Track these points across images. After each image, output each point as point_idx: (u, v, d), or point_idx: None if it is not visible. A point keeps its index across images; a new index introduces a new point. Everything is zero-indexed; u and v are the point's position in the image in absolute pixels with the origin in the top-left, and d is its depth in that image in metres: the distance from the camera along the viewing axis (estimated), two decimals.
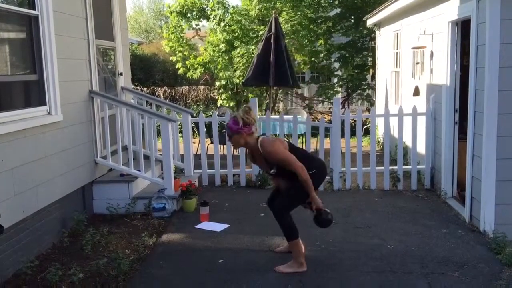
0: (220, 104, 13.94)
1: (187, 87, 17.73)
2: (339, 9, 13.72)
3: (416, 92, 7.28)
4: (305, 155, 4.33)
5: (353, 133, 7.47)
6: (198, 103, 16.95)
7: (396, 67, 9.35)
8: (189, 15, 14.23)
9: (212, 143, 7.81)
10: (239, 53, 12.58)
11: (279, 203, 4.28)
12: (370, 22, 11.11)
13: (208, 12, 13.93)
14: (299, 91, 14.34)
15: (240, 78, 12.31)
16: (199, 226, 5.45)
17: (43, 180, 4.72)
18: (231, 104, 13.58)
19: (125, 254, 4.55)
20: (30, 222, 4.51)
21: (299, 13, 12.73)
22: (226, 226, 5.42)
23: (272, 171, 4.24)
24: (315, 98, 14.53)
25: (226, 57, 13.15)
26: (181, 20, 14.37)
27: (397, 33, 9.14)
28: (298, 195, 4.21)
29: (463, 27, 5.89)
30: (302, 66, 13.83)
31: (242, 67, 12.45)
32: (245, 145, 4.22)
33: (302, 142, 8.70)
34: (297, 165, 4.03)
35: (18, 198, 4.29)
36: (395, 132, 7.64)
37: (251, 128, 4.13)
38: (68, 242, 4.95)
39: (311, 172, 4.11)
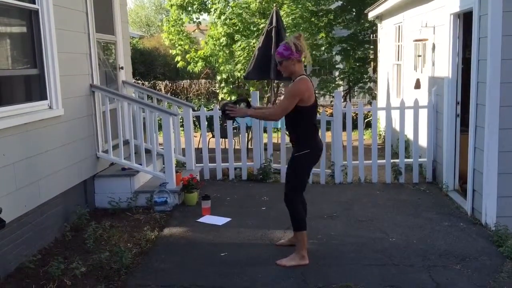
0: (221, 98, 13.94)
1: (188, 81, 17.73)
2: (341, 2, 13.67)
3: (417, 85, 7.26)
4: (314, 128, 4.21)
5: (355, 127, 7.48)
6: (199, 97, 16.95)
7: (398, 60, 9.32)
8: (189, 8, 14.20)
9: (213, 137, 7.80)
10: (240, 46, 12.55)
11: (286, 193, 4.24)
12: (371, 14, 11.07)
13: (209, 5, 13.90)
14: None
15: (241, 71, 12.29)
16: (200, 219, 5.46)
17: (44, 175, 4.72)
18: (233, 97, 13.57)
19: (127, 248, 4.56)
20: (32, 216, 4.52)
21: (300, 6, 12.68)
22: (228, 219, 5.43)
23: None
24: (316, 92, 14.49)
25: (227, 51, 13.12)
26: (182, 13, 14.34)
27: (399, 26, 9.10)
28: (298, 173, 4.20)
29: (465, 20, 5.86)
30: (303, 59, 13.77)
31: (243, 61, 12.42)
32: (293, 72, 4.09)
33: None
34: (279, 110, 4.07)
35: (20, 193, 4.30)
36: (396, 125, 7.62)
37: (301, 54, 4.05)
38: (70, 236, 4.96)
39: (304, 151, 4.08)
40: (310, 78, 4.22)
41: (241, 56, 12.53)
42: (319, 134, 4.41)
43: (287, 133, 4.29)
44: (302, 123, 4.12)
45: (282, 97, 7.22)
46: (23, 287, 3.87)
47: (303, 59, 4.12)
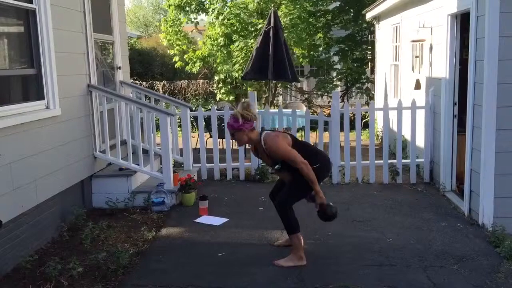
0: (219, 98, 13.92)
1: (186, 81, 17.70)
2: (338, 3, 13.68)
3: (418, 86, 7.26)
4: (309, 149, 4.33)
5: (352, 127, 7.48)
6: (197, 97, 16.93)
7: (395, 60, 9.33)
8: (187, 8, 14.19)
9: (211, 137, 7.80)
10: (238, 46, 12.55)
11: (281, 196, 4.27)
12: (369, 15, 11.08)
13: (207, 6, 13.89)
14: (298, 85, 14.31)
15: (239, 72, 12.29)
16: (198, 220, 5.46)
17: (41, 175, 4.71)
18: (230, 98, 13.57)
19: (124, 248, 4.55)
20: (29, 216, 4.51)
21: (298, 6, 12.69)
22: (225, 220, 5.43)
23: (276, 166, 4.23)
24: (314, 92, 14.51)
25: (225, 51, 13.11)
26: (180, 13, 14.34)
27: (397, 26, 9.11)
28: (301, 189, 4.21)
29: (462, 20, 5.87)
30: (301, 59, 13.80)
31: (241, 61, 12.42)
32: (249, 141, 4.22)
33: (301, 136, 8.69)
34: (300, 161, 4.03)
35: (17, 193, 4.29)
36: (394, 126, 7.63)
37: (253, 123, 4.13)
38: (67, 236, 4.95)
39: (315, 166, 4.11)
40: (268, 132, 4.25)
41: (239, 56, 12.53)
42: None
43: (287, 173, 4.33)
44: (297, 162, 4.08)
45: (278, 109, 7.37)
46: (20, 287, 3.86)
47: (254, 127, 4.15)
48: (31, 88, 4.88)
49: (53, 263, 4.06)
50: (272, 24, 7.93)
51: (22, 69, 4.83)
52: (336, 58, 14.10)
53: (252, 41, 12.20)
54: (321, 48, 13.73)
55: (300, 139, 4.75)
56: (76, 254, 4.48)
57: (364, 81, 13.59)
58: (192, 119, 8.10)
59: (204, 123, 7.53)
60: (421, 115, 6.83)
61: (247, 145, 4.44)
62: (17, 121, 4.33)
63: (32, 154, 4.57)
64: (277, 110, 7.79)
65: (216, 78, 13.96)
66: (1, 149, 4.11)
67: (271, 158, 4.20)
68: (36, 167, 4.62)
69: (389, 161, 6.93)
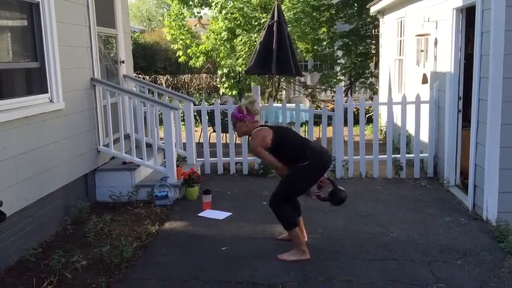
0: (223, 93, 13.91)
1: (189, 75, 17.68)
2: None
3: (425, 80, 7.21)
4: (299, 145, 4.29)
5: (356, 122, 7.46)
6: (201, 92, 16.91)
7: (400, 55, 9.30)
8: (190, 2, 14.16)
9: (214, 131, 7.79)
10: (241, 41, 12.51)
11: (273, 193, 4.29)
12: (373, 9, 11.02)
13: (210, 0, 13.84)
14: (302, 79, 14.26)
15: (243, 66, 12.26)
16: (201, 214, 5.46)
17: (45, 168, 4.72)
18: (234, 92, 13.55)
19: (128, 242, 4.56)
20: (33, 209, 4.52)
21: (301, 0, 12.63)
22: (229, 214, 5.43)
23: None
24: (317, 87, 14.47)
25: (228, 45, 13.08)
26: (183, 7, 14.31)
27: (401, 21, 9.07)
28: (295, 185, 4.23)
29: (467, 14, 5.83)
30: (304, 54, 13.75)
31: (244, 55, 12.39)
32: (248, 132, 4.40)
33: (305, 131, 8.67)
34: (268, 162, 4.38)
35: (21, 186, 4.30)
36: (398, 121, 7.60)
37: (254, 117, 4.34)
38: (71, 229, 4.96)
39: (304, 163, 4.13)
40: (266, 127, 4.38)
41: (242, 50, 12.50)
42: (317, 144, 4.64)
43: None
44: (284, 154, 4.24)
45: (281, 104, 7.53)
46: (24, 280, 3.87)
47: (256, 121, 4.37)
48: (34, 82, 4.88)
49: (57, 256, 4.08)
50: (275, 18, 7.89)
51: (25, 62, 4.82)
52: (340, 53, 14.04)
53: (255, 35, 12.16)
54: (324, 43, 13.67)
55: (303, 134, 4.75)
56: (79, 247, 4.50)
57: (368, 75, 13.54)
58: (195, 113, 8.10)
59: (207, 117, 7.52)
60: (425, 109, 6.81)
61: (249, 138, 4.51)
62: (21, 115, 4.33)
63: (36, 147, 4.58)
64: (280, 104, 7.78)
65: (220, 72, 13.94)
66: (5, 143, 4.11)
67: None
68: (39, 160, 4.63)
69: (393, 155, 6.91)
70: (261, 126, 4.41)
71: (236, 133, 4.64)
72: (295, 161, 4.19)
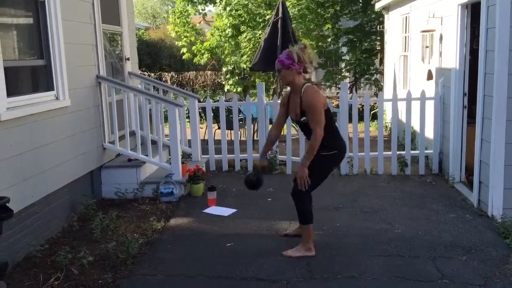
0: (227, 89, 13.93)
1: (194, 72, 17.71)
2: None
3: (430, 76, 7.20)
4: (334, 129, 4.22)
5: (361, 118, 7.46)
6: (205, 88, 16.94)
7: (405, 51, 9.26)
8: None
9: (219, 128, 7.81)
10: (245, 37, 12.51)
11: (296, 185, 4.21)
12: (378, 5, 10.98)
13: None
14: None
15: (247, 63, 12.25)
16: (206, 210, 5.48)
17: (51, 165, 4.75)
18: (238, 89, 13.55)
19: (133, 238, 4.59)
20: (39, 206, 4.55)
21: None
22: (234, 210, 5.45)
23: (303, 118, 4.10)
24: (322, 83, 14.44)
25: (233, 42, 13.08)
26: (188, 4, 14.31)
27: (406, 17, 9.03)
28: (320, 171, 4.15)
29: (473, 10, 5.81)
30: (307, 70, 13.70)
31: (249, 52, 12.39)
32: (292, 83, 4.11)
33: None
34: (319, 129, 3.92)
35: (27, 183, 4.33)
36: (403, 117, 7.59)
37: (302, 66, 4.02)
38: (77, 226, 5.00)
39: (332, 152, 4.07)
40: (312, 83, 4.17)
41: (247, 47, 12.49)
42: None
43: (306, 139, 4.23)
44: (325, 129, 4.02)
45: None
46: (31, 276, 3.90)
47: (302, 71, 4.07)
48: (40, 79, 4.91)
49: (63, 252, 4.11)
50: (280, 15, 7.89)
51: (31, 60, 4.85)
52: (344, 49, 14.01)
53: (260, 32, 12.15)
54: (329, 39, 13.64)
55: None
56: (86, 243, 4.53)
57: (373, 72, 13.50)
58: (200, 110, 8.11)
59: (212, 114, 7.53)
60: (430, 106, 6.79)
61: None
62: (27, 112, 4.36)
63: (42, 144, 4.61)
64: None
65: (224, 69, 13.94)
66: (12, 140, 4.14)
67: (302, 110, 4.06)
68: (46, 157, 4.66)
69: (398, 152, 6.90)
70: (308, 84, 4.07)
71: (280, 80, 4.13)
72: (324, 141, 3.99)
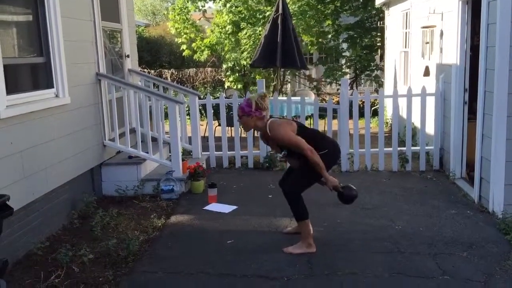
0: (228, 86, 13.89)
1: (194, 69, 17.68)
2: None
3: (427, 72, 7.20)
4: (315, 135, 4.32)
5: (361, 115, 7.45)
6: (206, 85, 16.91)
7: (405, 47, 9.25)
8: None
9: (219, 125, 7.80)
10: (246, 34, 12.48)
11: (289, 183, 4.28)
12: (378, 1, 10.96)
13: None
14: (307, 72, 14.23)
15: (248, 59, 12.23)
16: (207, 207, 5.48)
17: (52, 163, 4.75)
18: (239, 86, 13.53)
19: (134, 235, 4.59)
20: (40, 204, 4.55)
21: None
22: (234, 207, 5.45)
23: (283, 152, 4.28)
24: (323, 80, 14.43)
25: (233, 39, 13.05)
26: (187, 1, 14.27)
27: (406, 13, 9.01)
28: (310, 175, 4.19)
29: (473, 5, 5.79)
30: (309, 47, 13.70)
31: (249, 49, 12.36)
32: (254, 127, 4.29)
33: (310, 124, 8.66)
34: (305, 148, 4.03)
35: (28, 180, 4.33)
36: (403, 113, 7.58)
37: (262, 113, 4.17)
38: (78, 223, 5.00)
39: (322, 152, 4.10)
40: (272, 120, 4.24)
41: (247, 44, 12.47)
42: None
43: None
44: (309, 142, 4.08)
45: (287, 97, 7.32)
46: (31, 274, 3.90)
47: (265, 115, 4.18)
48: (40, 77, 4.90)
49: (64, 250, 4.11)
50: (280, 11, 7.87)
51: (31, 57, 4.84)
52: (345, 45, 13.98)
53: (260, 28, 12.12)
54: (329, 35, 13.62)
55: (308, 126, 4.73)
56: (86, 241, 4.53)
57: (373, 68, 13.49)
58: (200, 107, 8.10)
59: (212, 111, 7.52)
60: (431, 102, 6.78)
61: (255, 132, 4.48)
62: (27, 110, 4.35)
63: (42, 142, 4.60)
64: (285, 98, 7.77)
65: (224, 66, 13.91)
66: (12, 137, 4.14)
67: (278, 145, 4.24)
68: (46, 155, 4.65)
69: (399, 148, 6.89)
70: (272, 118, 4.27)
71: (241, 127, 4.43)
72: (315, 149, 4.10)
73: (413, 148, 6.91)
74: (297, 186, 4.23)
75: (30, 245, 4.29)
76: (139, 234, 4.68)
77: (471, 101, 5.96)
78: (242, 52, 12.72)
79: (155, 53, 18.93)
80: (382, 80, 12.72)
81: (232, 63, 13.21)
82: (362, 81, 14.61)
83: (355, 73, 14.21)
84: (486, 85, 5.08)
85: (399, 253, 4.16)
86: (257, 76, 12.76)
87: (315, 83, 14.57)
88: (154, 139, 6.43)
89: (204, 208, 5.45)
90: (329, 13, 13.36)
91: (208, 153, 7.30)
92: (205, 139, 7.89)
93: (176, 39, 15.51)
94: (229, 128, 8.49)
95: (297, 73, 14.34)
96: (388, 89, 10.31)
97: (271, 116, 4.43)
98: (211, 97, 7.45)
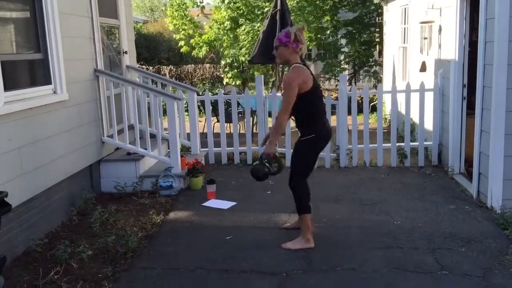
0: (226, 82, 13.89)
1: (192, 65, 17.67)
2: None
3: (423, 68, 7.20)
4: (316, 111, 4.16)
5: (360, 110, 7.44)
6: (204, 82, 16.91)
7: (404, 42, 9.24)
8: None
9: (218, 121, 7.79)
10: (244, 30, 12.47)
11: (292, 173, 4.26)
12: None
13: None
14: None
15: (246, 56, 12.22)
16: (206, 203, 5.48)
17: (50, 159, 4.74)
18: (237, 82, 13.53)
19: (133, 232, 4.59)
20: (38, 200, 4.55)
21: None
22: (233, 203, 5.45)
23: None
24: (321, 75, 14.42)
25: (231, 35, 13.04)
26: None
27: (405, 8, 9.00)
28: (304, 156, 4.19)
29: (472, 1, 5.78)
30: (308, 43, 13.68)
31: (247, 45, 12.35)
32: (286, 62, 4.20)
33: None
34: (283, 108, 4.01)
35: (26, 177, 4.32)
36: (402, 109, 7.58)
37: (299, 45, 4.09)
38: (76, 220, 5.00)
39: (310, 136, 4.09)
40: (307, 66, 4.22)
41: (245, 40, 12.45)
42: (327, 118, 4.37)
43: (293, 118, 4.29)
44: (303, 109, 4.10)
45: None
46: (30, 270, 3.90)
47: (299, 51, 4.13)
48: (38, 73, 4.89)
49: (63, 246, 4.11)
50: (278, 7, 7.85)
51: (29, 54, 4.83)
52: (343, 41, 13.96)
53: (258, 24, 12.10)
54: (328, 31, 13.59)
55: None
56: (85, 237, 4.53)
57: (372, 64, 13.47)
58: (199, 104, 8.09)
59: (211, 108, 7.52)
60: (429, 97, 6.78)
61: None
62: (25, 106, 4.35)
63: (41, 138, 4.59)
64: None
65: (223, 62, 13.90)
66: (10, 134, 4.13)
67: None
68: (44, 151, 4.65)
69: (397, 144, 6.89)
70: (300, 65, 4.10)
71: (276, 57, 4.23)
72: (303, 123, 4.12)
73: (411, 143, 6.92)
74: (298, 168, 4.21)
75: (29, 242, 4.28)
76: (138, 231, 4.68)
77: (470, 96, 5.96)
78: (241, 48, 12.70)
79: (154, 50, 18.91)
80: (381, 75, 12.72)
81: (231, 59, 13.20)
82: (361, 77, 14.60)
83: (353, 69, 14.20)
84: (485, 80, 5.08)
85: (397, 248, 4.17)
86: (255, 72, 12.74)
87: None
88: (153, 136, 6.42)
89: (203, 204, 5.45)
90: (328, 8, 13.33)
91: (206, 149, 7.30)
92: (203, 135, 7.89)
93: (174, 36, 15.49)
94: (228, 124, 8.48)
95: None
96: (386, 84, 10.30)
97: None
98: (209, 93, 7.44)
